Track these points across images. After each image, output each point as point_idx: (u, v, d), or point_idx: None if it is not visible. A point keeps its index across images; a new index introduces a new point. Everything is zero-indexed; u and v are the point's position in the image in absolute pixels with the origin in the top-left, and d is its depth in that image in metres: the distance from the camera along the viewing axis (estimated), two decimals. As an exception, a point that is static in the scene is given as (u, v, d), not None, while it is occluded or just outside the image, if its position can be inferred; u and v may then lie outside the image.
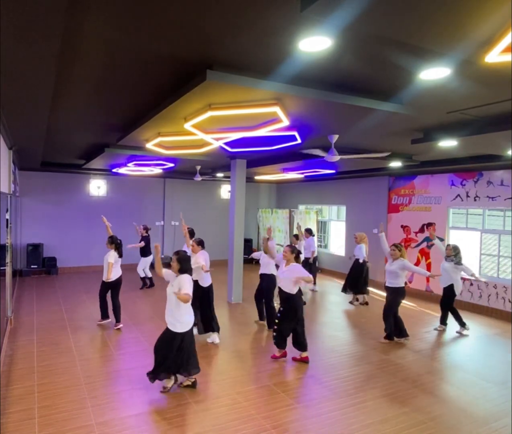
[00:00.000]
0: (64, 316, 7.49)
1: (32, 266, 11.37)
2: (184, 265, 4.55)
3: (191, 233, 6.72)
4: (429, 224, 9.91)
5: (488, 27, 2.27)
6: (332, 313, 8.50)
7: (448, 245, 7.39)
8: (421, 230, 10.08)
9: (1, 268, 6.62)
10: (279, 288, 5.64)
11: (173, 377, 4.67)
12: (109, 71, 3.55)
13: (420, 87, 3.76)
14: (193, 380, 4.72)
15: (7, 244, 7.05)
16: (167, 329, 4.56)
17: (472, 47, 2.59)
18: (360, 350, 6.18)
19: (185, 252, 4.80)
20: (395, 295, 6.44)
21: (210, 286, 6.30)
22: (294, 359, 5.65)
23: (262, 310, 7.35)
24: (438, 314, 8.39)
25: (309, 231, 9.84)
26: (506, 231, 8.52)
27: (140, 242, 10.05)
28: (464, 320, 7.24)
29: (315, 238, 13.12)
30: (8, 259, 7.04)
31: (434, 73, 3.35)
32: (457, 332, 7.19)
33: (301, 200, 14.38)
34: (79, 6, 2.37)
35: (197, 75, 3.47)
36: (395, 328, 6.59)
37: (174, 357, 4.51)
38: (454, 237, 9.74)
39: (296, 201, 14.57)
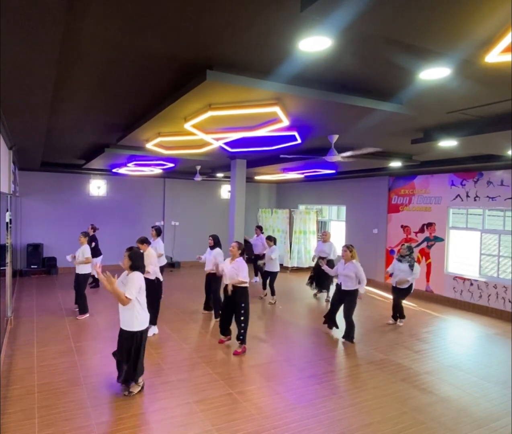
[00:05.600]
0: (64, 316, 7.48)
1: (32, 266, 11.37)
2: (135, 261, 4.28)
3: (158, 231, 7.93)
4: (429, 224, 9.92)
5: (488, 27, 2.27)
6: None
7: (403, 245, 7.55)
8: (421, 230, 10.08)
9: (1, 268, 6.62)
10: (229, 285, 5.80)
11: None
12: (109, 71, 3.55)
13: (420, 87, 3.76)
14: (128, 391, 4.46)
15: (7, 244, 7.05)
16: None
17: (472, 47, 2.59)
18: (360, 350, 6.18)
19: (138, 248, 4.66)
20: (354, 297, 6.42)
21: (157, 281, 6.39)
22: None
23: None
24: (439, 314, 8.40)
25: (259, 228, 10.37)
26: (506, 231, 8.52)
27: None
28: (464, 320, 7.24)
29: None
30: (8, 259, 7.04)
31: (434, 73, 3.35)
32: (398, 323, 7.50)
33: (301, 200, 14.38)
34: (79, 7, 2.37)
35: (197, 75, 3.47)
36: (328, 318, 6.80)
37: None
38: (454, 237, 9.76)
39: (296, 201, 14.57)
